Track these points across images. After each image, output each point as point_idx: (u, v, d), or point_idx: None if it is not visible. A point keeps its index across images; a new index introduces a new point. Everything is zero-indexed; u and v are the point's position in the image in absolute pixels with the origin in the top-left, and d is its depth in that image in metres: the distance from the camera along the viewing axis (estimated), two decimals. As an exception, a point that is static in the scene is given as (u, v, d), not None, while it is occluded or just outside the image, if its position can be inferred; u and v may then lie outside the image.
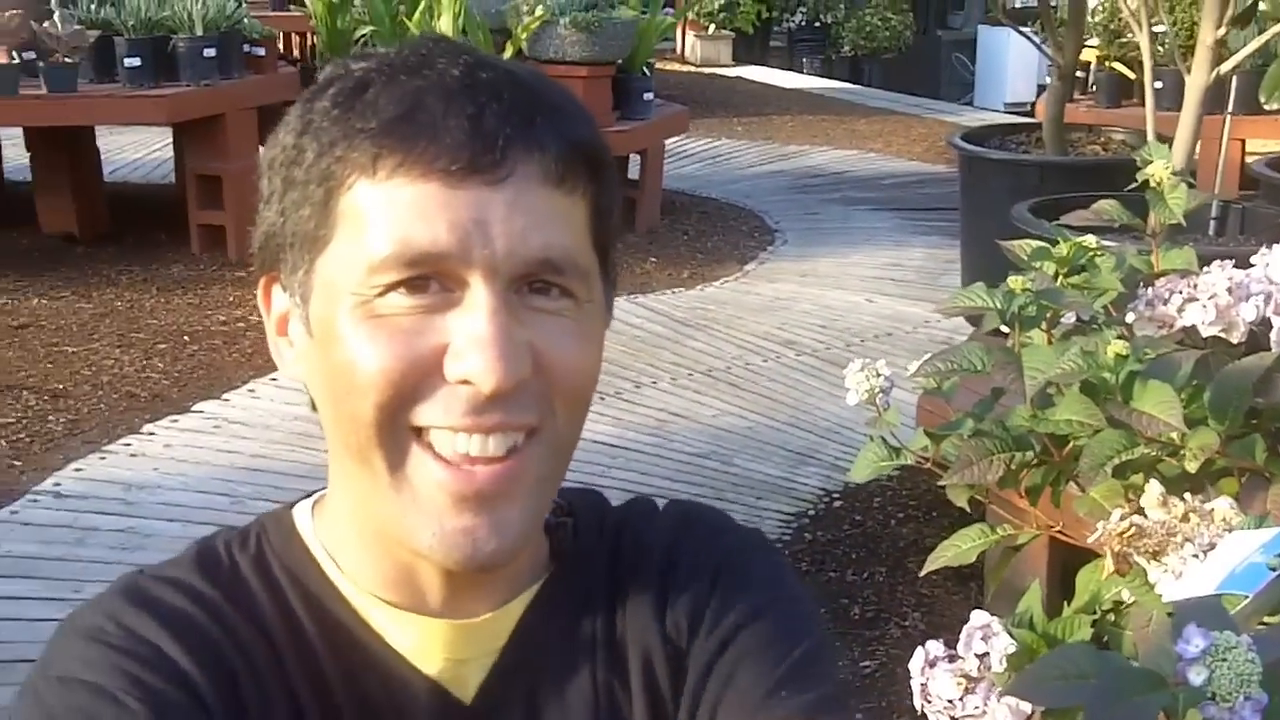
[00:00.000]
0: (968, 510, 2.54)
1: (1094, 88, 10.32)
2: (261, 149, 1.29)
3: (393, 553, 1.28)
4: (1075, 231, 2.58)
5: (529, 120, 1.19)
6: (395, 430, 1.19)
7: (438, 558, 1.22)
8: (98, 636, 1.23)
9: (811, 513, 5.49)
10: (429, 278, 1.17)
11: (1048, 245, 2.48)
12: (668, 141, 10.74)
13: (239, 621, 1.28)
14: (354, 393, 1.19)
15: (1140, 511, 2.01)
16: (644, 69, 10.04)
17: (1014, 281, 2.26)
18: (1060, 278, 2.44)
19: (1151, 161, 2.52)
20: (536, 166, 1.19)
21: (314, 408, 1.28)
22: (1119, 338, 2.22)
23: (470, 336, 1.16)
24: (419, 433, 1.20)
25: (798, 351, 7.34)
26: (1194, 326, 2.25)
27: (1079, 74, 9.28)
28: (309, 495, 1.40)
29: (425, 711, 1.31)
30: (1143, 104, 8.31)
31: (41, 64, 8.13)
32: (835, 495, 5.64)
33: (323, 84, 1.24)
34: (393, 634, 1.31)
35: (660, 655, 1.38)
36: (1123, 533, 1.99)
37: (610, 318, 1.33)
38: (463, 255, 1.16)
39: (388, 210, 1.17)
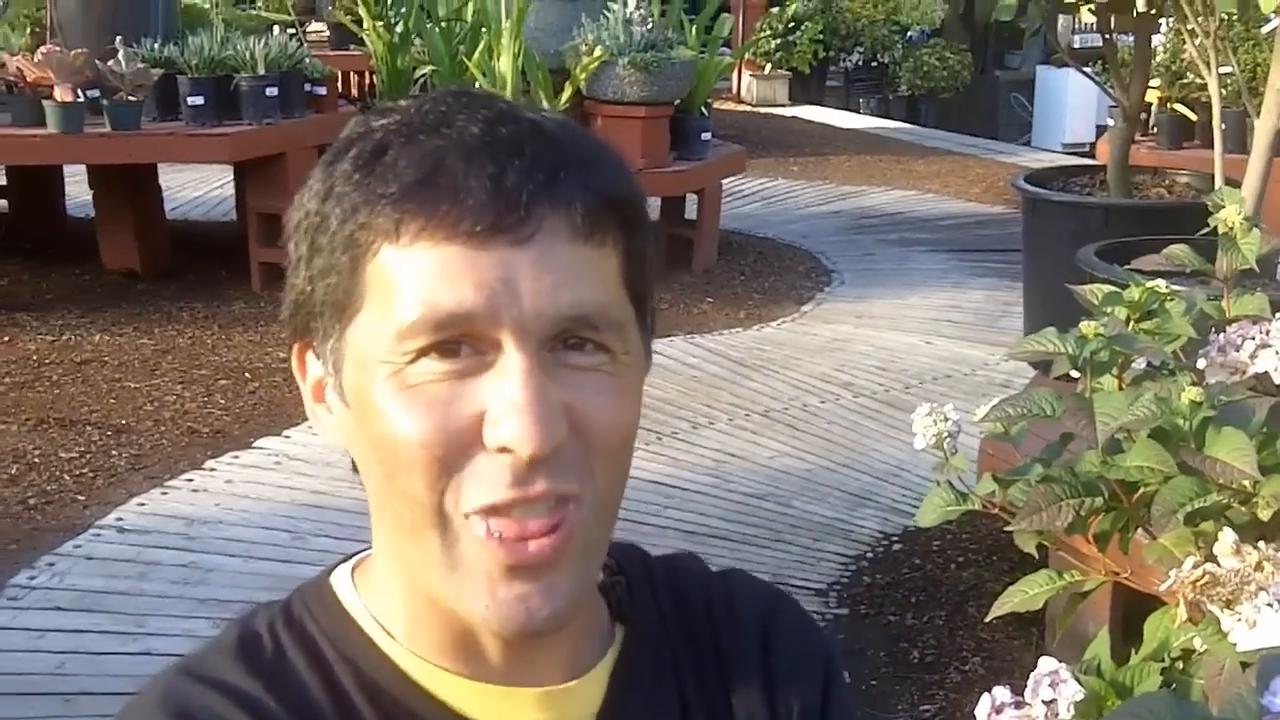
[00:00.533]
0: (1033, 555, 2.53)
1: (1155, 129, 10.28)
2: (288, 211, 1.27)
3: (449, 619, 1.24)
4: (1145, 276, 2.58)
5: (553, 176, 1.16)
6: (446, 512, 1.17)
7: (493, 627, 1.19)
8: None
9: (870, 555, 5.48)
10: (459, 341, 1.14)
11: (1119, 290, 2.48)
12: (725, 181, 10.74)
13: (287, 716, 1.24)
14: (402, 470, 1.16)
15: (1213, 559, 2.01)
16: (702, 109, 10.05)
17: (1086, 327, 2.25)
18: (1131, 323, 2.44)
19: (1223, 206, 2.52)
20: (563, 222, 1.15)
21: (355, 469, 1.26)
22: (1191, 384, 2.22)
23: (506, 402, 1.13)
24: (470, 515, 1.17)
25: (855, 393, 7.33)
26: (1266, 373, 2.25)
27: (1140, 115, 9.25)
28: (346, 559, 1.36)
29: None
30: (1205, 146, 8.28)
31: (105, 102, 8.19)
32: (894, 538, 5.63)
33: (343, 145, 1.22)
34: (464, 706, 1.28)
35: None
36: (1196, 580, 1.99)
37: (649, 364, 1.30)
38: (491, 315, 1.13)
39: (413, 275, 1.14)
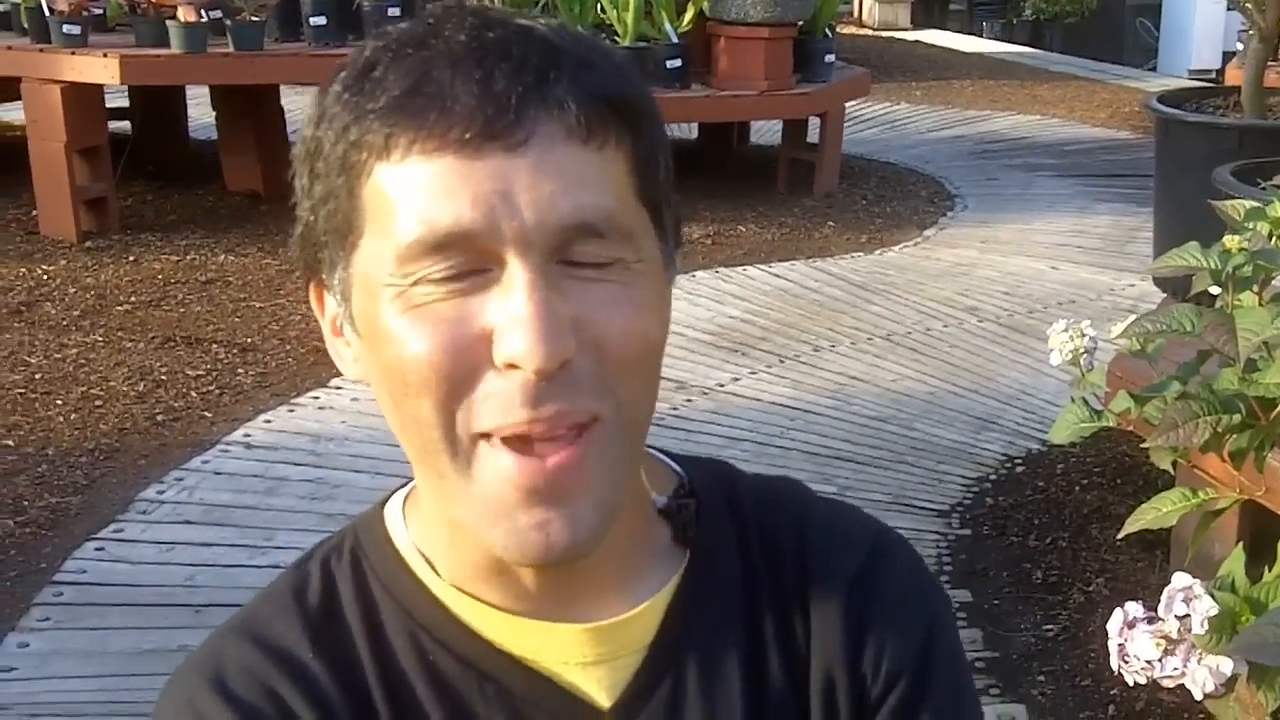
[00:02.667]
0: (1157, 480, 2.51)
1: (1284, 53, 10.11)
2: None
3: (484, 550, 1.21)
4: (1286, 193, 2.54)
5: (544, 77, 1.11)
6: (458, 435, 1.13)
7: (513, 556, 1.16)
8: None
9: (993, 478, 5.45)
10: (461, 258, 1.11)
11: (1261, 206, 2.45)
12: (847, 106, 10.67)
13: (325, 675, 1.24)
14: (410, 393, 1.13)
15: (1356, 475, 1.99)
16: (826, 31, 9.97)
17: (1230, 241, 2.23)
18: (1274, 239, 2.41)
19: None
20: (558, 125, 1.11)
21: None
22: (1336, 299, 2.19)
23: (510, 317, 1.09)
24: (483, 437, 1.13)
25: (980, 318, 7.28)
26: None
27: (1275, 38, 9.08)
28: (401, 486, 1.35)
29: None
30: (1338, 69, 8.12)
31: (228, 22, 8.23)
32: (1018, 461, 5.59)
33: (337, 69, 1.18)
34: (507, 643, 1.26)
35: (845, 686, 1.33)
36: (1338, 496, 1.97)
37: (673, 274, 1.25)
38: (491, 230, 1.09)
39: (408, 192, 1.11)
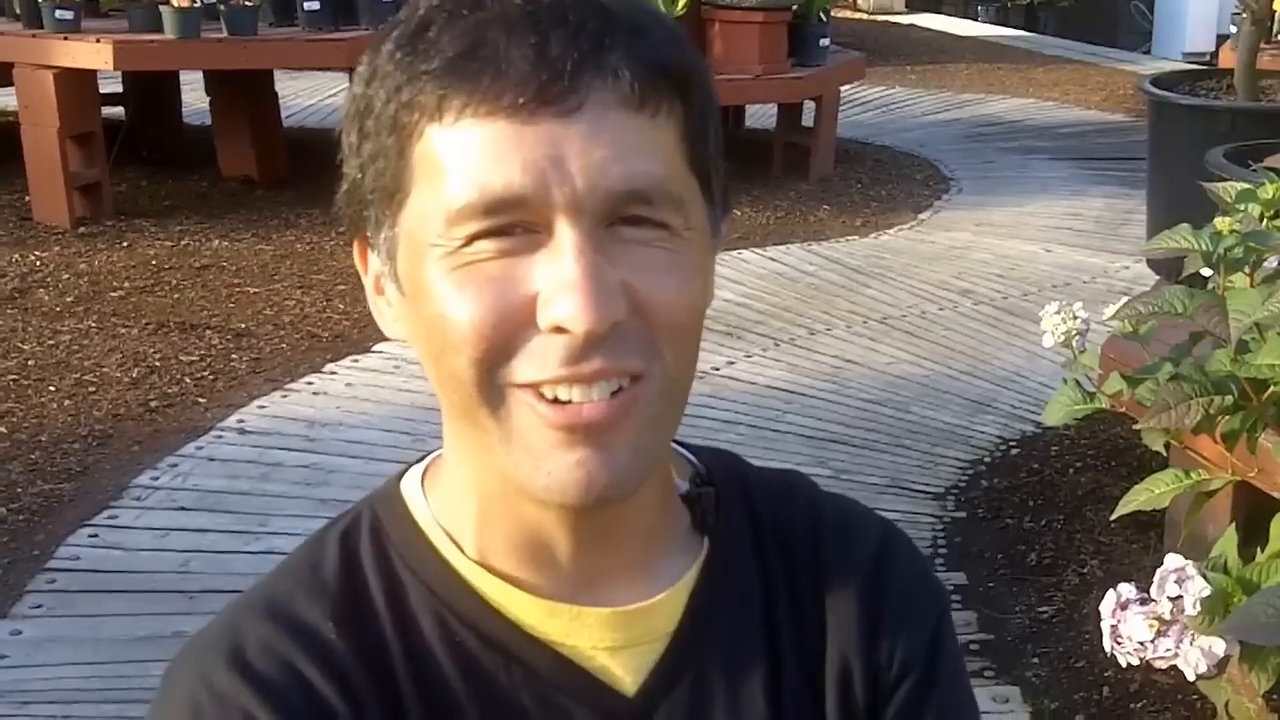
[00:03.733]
0: (1151, 461, 2.51)
1: (1278, 36, 10.11)
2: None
3: (518, 517, 1.23)
4: (1277, 175, 2.54)
5: (599, 43, 1.11)
6: (496, 386, 1.14)
7: (554, 495, 1.16)
8: (196, 714, 1.19)
9: (988, 460, 5.45)
10: (511, 222, 1.11)
11: (1253, 188, 2.45)
12: (842, 89, 10.67)
13: (349, 653, 1.23)
14: (449, 350, 1.14)
15: (1347, 456, 1.98)
16: (820, 15, 9.96)
17: (1221, 223, 2.22)
18: (1265, 220, 2.41)
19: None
20: (611, 92, 1.11)
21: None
22: (1328, 280, 2.19)
23: (558, 280, 1.10)
24: (520, 387, 1.14)
25: (975, 300, 7.28)
26: (1403, 270, 2.21)
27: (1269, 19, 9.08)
28: (417, 461, 1.35)
29: (578, 706, 1.27)
30: (1332, 52, 8.12)
31: (222, 7, 8.20)
32: (1012, 443, 5.60)
33: (389, 26, 1.18)
34: (534, 624, 1.26)
35: (861, 677, 1.34)
36: (1330, 476, 1.97)
37: (720, 242, 1.26)
38: (542, 196, 1.10)
39: (460, 155, 1.11)
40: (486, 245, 1.12)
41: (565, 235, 1.11)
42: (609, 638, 1.27)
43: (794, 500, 1.41)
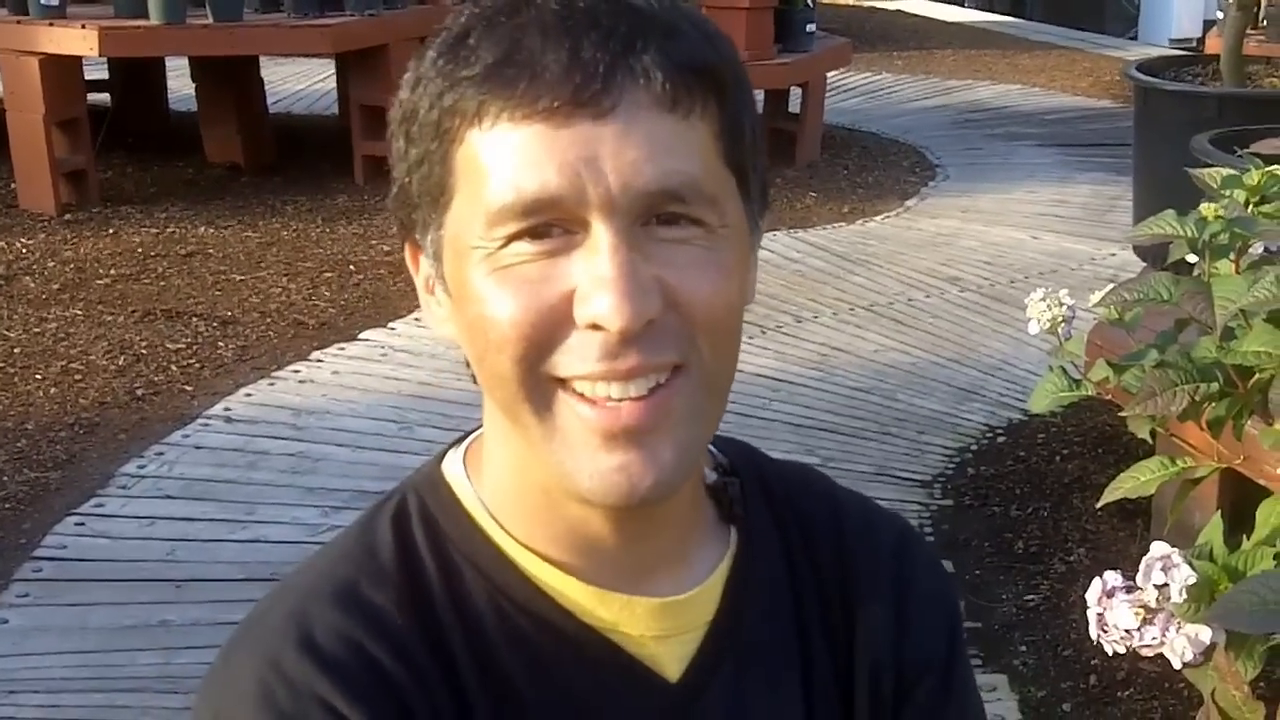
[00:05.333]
0: (1138, 448, 2.51)
1: (1265, 22, 10.10)
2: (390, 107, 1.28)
3: (562, 511, 1.26)
4: (1263, 161, 2.53)
5: (630, 45, 1.14)
6: (538, 383, 1.17)
7: (597, 498, 1.19)
8: (268, 700, 1.20)
9: (975, 448, 5.46)
10: (549, 223, 1.15)
11: (1238, 174, 2.44)
12: (828, 76, 10.66)
13: (416, 640, 1.24)
14: (492, 349, 1.17)
15: (1333, 443, 1.98)
16: (806, 1, 9.96)
17: (1206, 209, 2.22)
18: (1250, 207, 2.40)
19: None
20: (644, 93, 1.14)
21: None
22: (1314, 267, 2.19)
23: (594, 278, 1.13)
24: (561, 383, 1.17)
25: (961, 288, 7.28)
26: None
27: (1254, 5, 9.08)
28: (458, 443, 1.37)
29: (627, 693, 1.29)
30: (1317, 38, 8.12)
31: (208, -7, 8.21)
32: (999, 431, 5.60)
33: (435, 33, 1.22)
34: (587, 611, 1.29)
35: (890, 675, 1.38)
36: (1315, 464, 1.97)
37: (758, 238, 1.29)
38: (577, 196, 1.13)
39: (497, 159, 1.15)
40: (525, 247, 1.15)
41: (600, 234, 1.14)
42: (657, 626, 1.30)
43: (812, 493, 1.45)
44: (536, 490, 1.26)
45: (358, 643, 1.22)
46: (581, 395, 1.17)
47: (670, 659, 1.31)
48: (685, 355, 1.18)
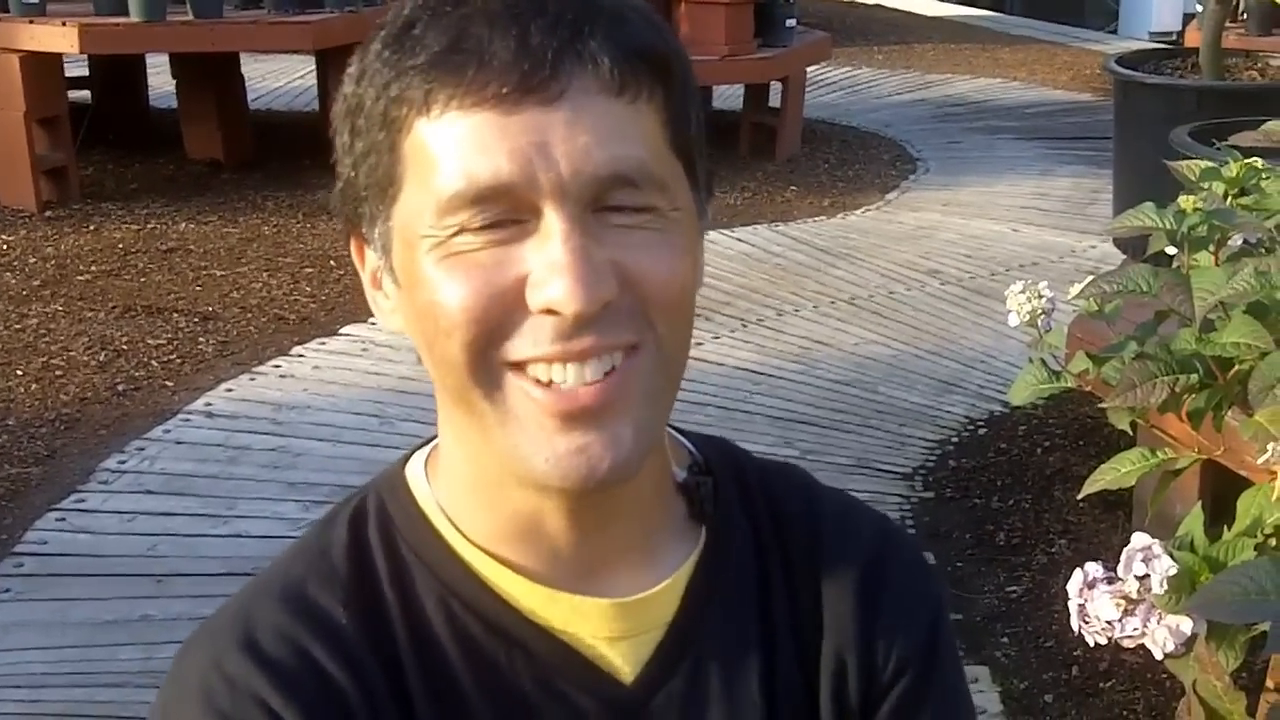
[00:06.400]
0: (1119, 440, 2.51)
1: (1244, 15, 10.12)
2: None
3: (514, 503, 1.25)
4: (1242, 153, 2.54)
5: (578, 31, 1.14)
6: (489, 367, 1.17)
7: (555, 481, 1.18)
8: (208, 699, 1.21)
9: (956, 440, 5.47)
10: (500, 210, 1.14)
11: (1217, 166, 2.45)
12: (808, 70, 10.66)
13: (359, 638, 1.25)
14: (441, 335, 1.17)
15: (1312, 433, 1.99)
16: (787, -5, 9.97)
17: (1185, 201, 2.23)
18: (1229, 199, 2.41)
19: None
20: (592, 79, 1.14)
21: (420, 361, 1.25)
22: (1291, 258, 2.19)
23: (548, 263, 1.13)
24: (513, 366, 1.17)
25: (942, 280, 7.29)
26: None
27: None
28: (423, 444, 1.35)
29: (577, 695, 1.28)
30: (1295, 32, 8.15)
31: (188, -10, 8.19)
32: (980, 423, 5.61)
33: (377, 28, 1.21)
34: (535, 610, 1.28)
35: (855, 671, 1.36)
36: (1295, 454, 1.97)
37: (705, 224, 1.28)
38: (528, 183, 1.13)
39: (447, 147, 1.14)
40: (476, 234, 1.15)
41: (553, 220, 1.14)
42: (608, 628, 1.29)
43: (792, 493, 1.43)
44: (488, 485, 1.25)
45: (299, 643, 1.23)
46: (536, 379, 1.16)
47: (625, 660, 1.30)
48: (641, 335, 1.18)
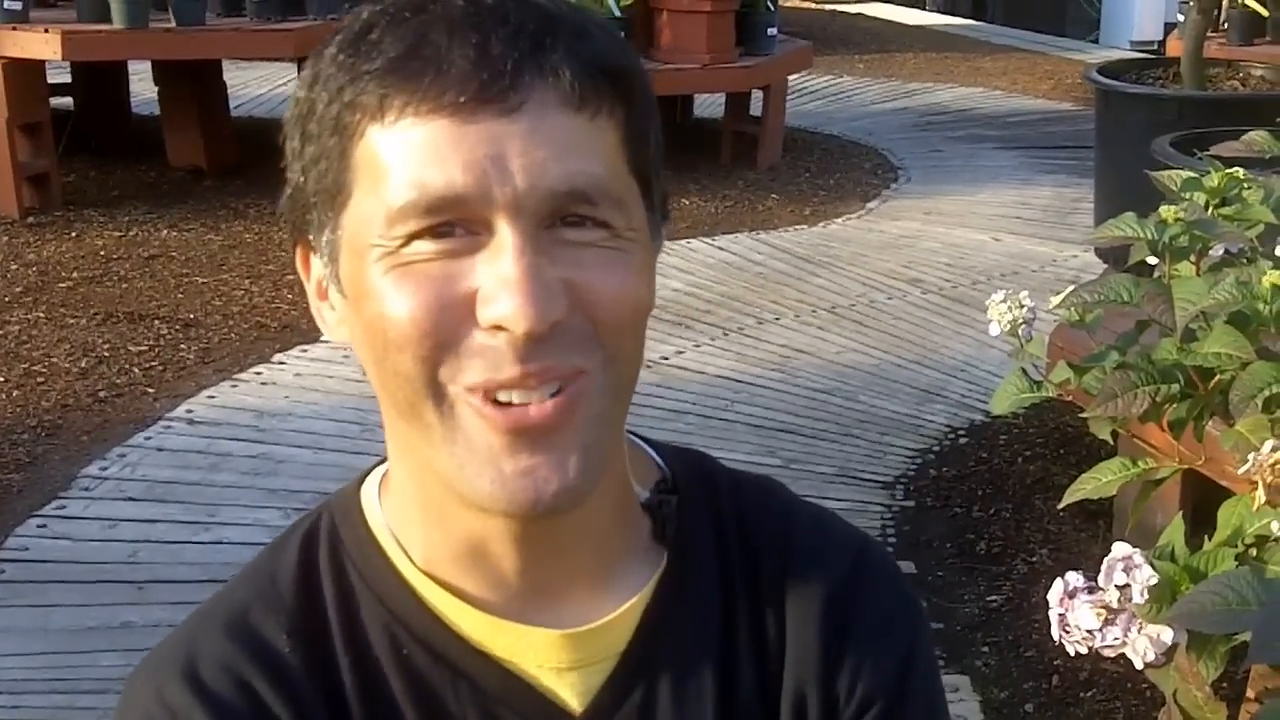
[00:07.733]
0: (1100, 450, 2.52)
1: (1225, 25, 10.15)
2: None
3: (461, 527, 1.21)
4: (1224, 163, 2.55)
5: (539, 43, 1.11)
6: (440, 385, 1.13)
7: (500, 506, 1.14)
8: None
9: (937, 449, 5.47)
10: (452, 222, 1.11)
11: (1198, 176, 2.46)
12: (790, 78, 10.68)
13: (300, 669, 1.23)
14: (392, 348, 1.12)
15: (1292, 444, 2.00)
16: (768, 4, 9.96)
17: (1166, 211, 2.23)
18: (1210, 209, 2.42)
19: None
20: (552, 91, 1.11)
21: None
22: (1273, 268, 2.20)
23: (498, 279, 1.09)
24: (466, 390, 1.13)
25: (923, 289, 7.30)
26: (1347, 259, 2.23)
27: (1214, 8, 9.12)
28: (378, 464, 1.32)
29: None
30: (1275, 42, 8.19)
31: (171, -3, 8.19)
32: (961, 432, 5.62)
33: (333, 33, 1.17)
34: (483, 641, 1.25)
35: (817, 702, 1.31)
36: (1275, 464, 1.98)
37: (659, 246, 1.25)
38: (482, 196, 1.09)
39: (400, 155, 1.11)
40: (426, 245, 1.11)
41: (505, 235, 1.10)
42: (555, 658, 1.26)
43: (766, 511, 1.37)
44: (433, 506, 1.22)
45: (239, 674, 1.22)
46: (488, 399, 1.12)
47: (573, 691, 1.26)
48: (589, 357, 1.14)
